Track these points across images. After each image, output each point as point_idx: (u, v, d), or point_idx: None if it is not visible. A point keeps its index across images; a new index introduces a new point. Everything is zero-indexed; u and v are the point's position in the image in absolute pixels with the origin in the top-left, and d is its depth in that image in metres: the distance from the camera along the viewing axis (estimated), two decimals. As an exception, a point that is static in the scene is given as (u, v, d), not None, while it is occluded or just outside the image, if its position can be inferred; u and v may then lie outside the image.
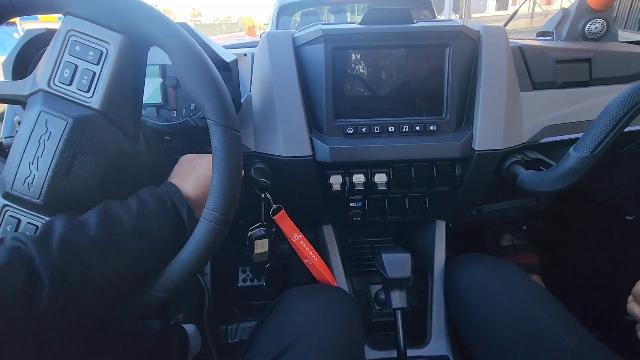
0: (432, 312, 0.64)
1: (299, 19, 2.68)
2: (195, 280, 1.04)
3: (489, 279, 0.56)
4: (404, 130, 0.59)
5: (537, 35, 0.90)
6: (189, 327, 0.98)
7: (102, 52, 0.37)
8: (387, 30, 0.56)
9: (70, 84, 0.37)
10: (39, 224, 0.37)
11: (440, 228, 0.70)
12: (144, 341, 0.76)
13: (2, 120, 0.68)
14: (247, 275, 1.12)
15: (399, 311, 0.55)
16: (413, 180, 0.61)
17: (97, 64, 0.37)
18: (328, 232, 0.71)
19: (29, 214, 0.37)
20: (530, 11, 11.20)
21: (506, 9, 21.03)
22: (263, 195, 0.58)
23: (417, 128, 0.58)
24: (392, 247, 0.62)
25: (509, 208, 0.77)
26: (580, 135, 0.48)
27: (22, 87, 0.38)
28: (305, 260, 0.62)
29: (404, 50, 0.57)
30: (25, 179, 0.36)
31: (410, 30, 0.56)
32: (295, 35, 0.59)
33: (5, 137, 0.61)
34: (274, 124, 0.57)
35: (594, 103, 0.63)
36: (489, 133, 0.57)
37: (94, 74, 0.37)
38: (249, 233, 0.60)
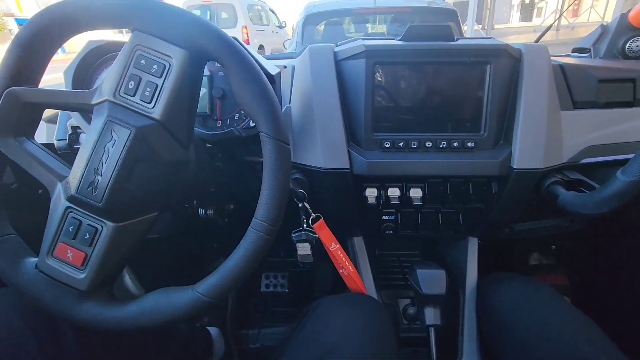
0: (463, 329, 0.63)
1: (322, 29, 2.72)
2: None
3: (525, 301, 0.55)
4: (441, 146, 0.59)
5: (572, 52, 0.89)
6: (213, 330, 1.00)
7: (165, 66, 0.39)
8: (428, 47, 0.57)
9: (134, 95, 0.39)
10: (98, 226, 0.39)
11: (473, 245, 0.69)
12: (172, 342, 0.78)
13: (55, 124, 0.72)
14: (270, 282, 1.13)
15: (432, 328, 0.55)
16: (448, 196, 0.61)
17: (160, 77, 0.39)
18: (359, 243, 0.71)
19: (90, 216, 0.39)
20: (557, 23, 10.98)
21: (530, 20, 20.70)
22: (300, 204, 0.59)
23: (455, 144, 0.59)
24: (425, 262, 0.62)
25: (541, 227, 0.75)
26: (623, 156, 0.47)
27: (90, 97, 0.40)
28: (341, 271, 0.62)
29: (444, 66, 0.58)
30: (90, 183, 0.38)
31: (451, 47, 0.57)
32: (336, 50, 0.61)
33: (58, 140, 0.65)
34: (313, 136, 0.58)
35: (639, 124, 0.61)
36: (528, 152, 0.57)
37: (157, 86, 0.39)
38: (292, 236, 0.62)
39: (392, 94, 0.59)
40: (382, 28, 3.19)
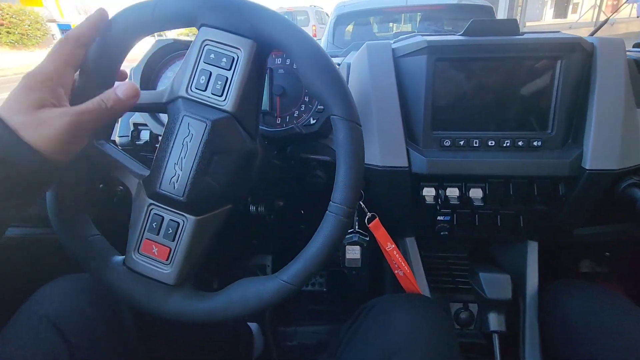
0: (524, 338, 0.60)
1: (350, 29, 2.70)
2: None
3: (599, 310, 0.52)
4: (504, 144, 0.56)
5: (633, 47, 0.84)
6: (253, 326, 1.01)
7: (233, 58, 0.39)
8: (493, 42, 0.55)
9: (205, 90, 0.40)
10: (180, 221, 0.40)
11: (533, 249, 0.66)
12: (217, 335, 0.80)
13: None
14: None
15: (496, 335, 0.53)
16: (511, 197, 0.58)
17: (229, 69, 0.39)
18: (411, 244, 0.70)
19: (172, 211, 0.40)
20: (595, 19, 10.40)
21: (565, 16, 19.72)
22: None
23: (520, 143, 0.56)
24: (486, 265, 0.59)
25: (606, 232, 0.71)
26: None
27: (162, 96, 0.41)
28: (396, 271, 0.61)
29: (509, 62, 0.55)
30: (171, 178, 0.39)
31: (518, 42, 0.54)
32: (394, 46, 0.60)
33: (121, 137, 0.68)
34: (371, 133, 0.57)
35: None
36: (602, 152, 0.53)
37: (227, 79, 0.39)
38: None
39: (454, 91, 0.57)
40: (407, 27, 3.14)
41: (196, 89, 0.40)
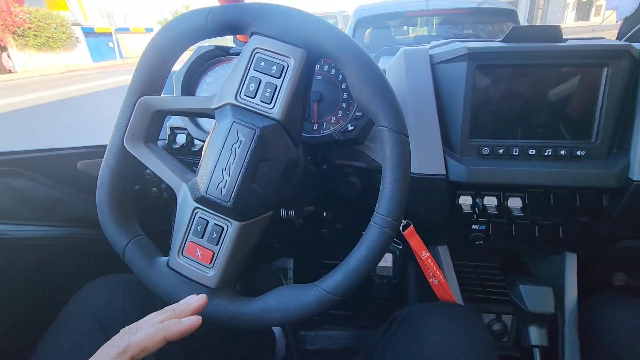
0: (564, 353, 0.58)
1: (369, 33, 2.69)
2: (279, 284, 1.08)
3: None
4: (546, 153, 0.55)
5: None
6: (276, 329, 1.01)
7: (283, 66, 0.40)
8: (536, 48, 0.54)
9: (254, 97, 0.40)
10: (224, 226, 0.41)
11: (571, 261, 0.64)
12: (242, 338, 0.80)
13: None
14: None
15: (537, 349, 0.51)
16: (551, 208, 0.57)
17: (279, 77, 0.40)
18: (444, 252, 0.69)
19: (217, 216, 0.41)
20: (619, 22, 10.04)
21: (587, 19, 19.20)
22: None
23: (562, 152, 0.55)
24: (525, 277, 0.58)
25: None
26: None
27: (210, 102, 0.42)
28: (431, 280, 0.60)
29: (552, 69, 0.54)
30: (219, 183, 0.39)
31: (562, 48, 0.53)
32: (432, 53, 0.59)
33: (158, 140, 0.69)
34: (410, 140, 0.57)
35: None
36: None
37: (276, 87, 0.40)
38: None
39: (493, 99, 0.56)
40: (423, 30, 3.11)
41: (245, 96, 0.41)
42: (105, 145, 0.71)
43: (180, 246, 0.42)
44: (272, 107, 0.40)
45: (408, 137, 0.39)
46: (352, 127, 0.54)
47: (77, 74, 12.07)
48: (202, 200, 0.41)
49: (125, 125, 0.43)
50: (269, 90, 0.40)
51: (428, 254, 0.60)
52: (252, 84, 0.40)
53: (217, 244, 0.41)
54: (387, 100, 0.39)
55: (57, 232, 0.57)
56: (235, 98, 0.41)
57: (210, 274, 0.41)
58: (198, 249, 0.42)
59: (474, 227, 0.63)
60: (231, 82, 0.41)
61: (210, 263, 0.42)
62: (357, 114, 0.54)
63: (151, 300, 0.53)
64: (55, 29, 15.15)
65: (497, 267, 0.81)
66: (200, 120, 0.60)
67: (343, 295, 0.39)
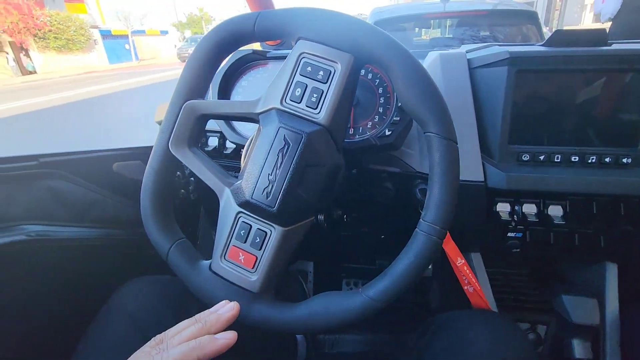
0: (606, 366, 0.56)
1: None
2: (300, 288, 1.08)
3: None
4: (589, 161, 0.53)
5: None
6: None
7: (330, 72, 0.40)
8: (580, 53, 0.52)
9: (300, 102, 0.40)
10: (267, 231, 0.41)
11: (612, 271, 0.62)
12: (264, 340, 0.80)
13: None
14: (351, 289, 1.12)
15: None
16: (594, 216, 0.55)
17: (326, 82, 0.40)
18: (477, 259, 0.67)
19: (260, 221, 0.41)
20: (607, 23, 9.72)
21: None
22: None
23: (607, 160, 0.53)
24: (567, 286, 0.56)
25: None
26: None
27: (254, 106, 0.42)
28: (466, 287, 0.59)
29: (597, 74, 0.52)
30: (264, 188, 0.39)
31: (609, 53, 0.52)
32: (470, 57, 0.58)
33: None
34: None
35: None
36: None
37: (322, 92, 0.40)
38: None
39: (534, 104, 0.55)
40: (436, 33, 3.08)
41: (291, 100, 0.40)
42: (140, 148, 0.73)
43: (223, 250, 0.42)
44: (318, 113, 0.40)
45: (457, 144, 0.38)
46: (390, 132, 0.54)
47: (94, 76, 12.38)
48: (247, 205, 0.41)
49: (170, 129, 0.43)
50: (315, 95, 0.40)
51: (464, 260, 0.59)
52: (298, 89, 0.40)
53: (260, 249, 0.41)
54: (437, 106, 0.38)
55: (91, 233, 0.58)
56: (281, 103, 0.41)
57: (253, 279, 0.41)
58: (241, 254, 0.42)
59: (509, 234, 0.61)
60: (276, 86, 0.41)
61: (253, 268, 0.41)
62: (395, 118, 0.54)
63: (186, 302, 0.53)
64: (74, 31, 15.60)
65: (529, 274, 0.79)
66: (235, 123, 0.61)
67: (387, 303, 0.39)
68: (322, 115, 0.40)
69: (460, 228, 0.62)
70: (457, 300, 0.63)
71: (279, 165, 0.39)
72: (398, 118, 0.54)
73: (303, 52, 0.40)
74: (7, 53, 13.56)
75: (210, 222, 0.92)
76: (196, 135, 0.44)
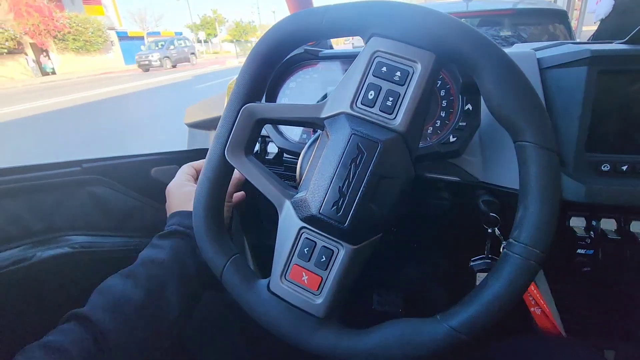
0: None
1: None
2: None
3: None
4: None
5: None
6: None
7: (408, 72, 0.35)
8: None
9: (373, 106, 0.36)
10: (334, 249, 0.37)
11: None
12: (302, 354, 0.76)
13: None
14: (383, 299, 1.08)
15: None
16: None
17: (403, 84, 0.35)
18: (540, 278, 0.62)
19: (327, 238, 0.37)
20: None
21: (627, 20, 18.17)
22: (490, 230, 0.53)
23: None
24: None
25: None
26: None
27: (318, 110, 0.38)
28: (533, 309, 0.54)
29: None
30: (334, 202, 0.35)
31: None
32: (540, 56, 0.53)
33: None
34: (509, 152, 0.51)
35: None
36: None
37: (399, 95, 0.35)
38: (471, 264, 0.55)
39: (616, 108, 0.49)
40: None
41: (363, 104, 0.36)
42: (176, 152, 0.70)
43: (284, 269, 0.38)
44: (394, 118, 0.36)
45: (559, 155, 0.34)
46: (455, 139, 0.49)
47: (111, 76, 12.63)
48: (312, 220, 0.37)
49: (227, 134, 0.40)
50: (390, 99, 0.36)
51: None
52: (371, 92, 0.36)
53: (325, 269, 0.37)
54: (536, 112, 0.33)
55: (131, 242, 0.56)
56: (351, 107, 0.36)
57: (318, 302, 0.37)
58: (304, 274, 0.38)
59: (579, 251, 0.56)
60: (345, 89, 0.37)
61: (317, 290, 0.37)
62: (460, 123, 0.49)
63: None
64: (92, 33, 15.96)
65: (593, 292, 0.73)
66: (283, 128, 0.57)
67: (474, 337, 0.34)
68: (398, 121, 0.35)
69: None
70: (513, 323, 0.59)
71: (351, 176, 0.35)
72: (464, 123, 0.50)
73: (377, 51, 0.36)
74: (27, 55, 13.95)
75: (242, 225, 0.88)
76: (252, 141, 0.41)
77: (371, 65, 0.36)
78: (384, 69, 0.36)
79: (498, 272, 0.34)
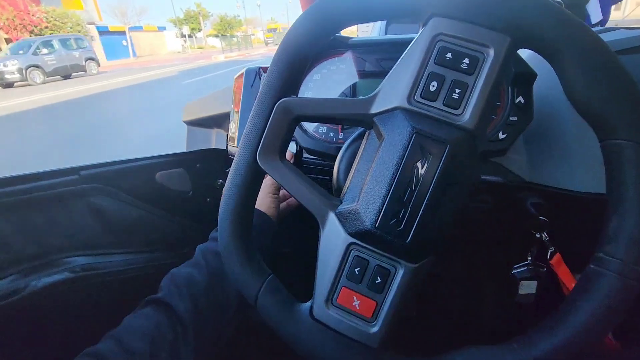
0: None
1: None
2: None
3: None
4: None
5: None
6: None
7: (478, 59, 0.30)
8: None
9: (435, 100, 0.31)
10: (391, 268, 0.31)
11: None
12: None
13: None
14: None
15: None
16: None
17: (472, 73, 0.30)
18: None
19: (383, 255, 0.31)
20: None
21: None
22: (538, 235, 0.48)
23: None
24: None
25: None
26: None
27: (367, 105, 0.32)
28: None
29: None
30: (394, 214, 0.30)
31: None
32: (608, 40, 0.49)
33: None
34: (564, 150, 0.46)
35: None
36: None
37: (467, 86, 0.30)
38: (514, 271, 0.51)
39: None
40: None
41: (423, 98, 0.31)
42: (182, 154, 0.63)
43: (330, 292, 0.33)
44: (461, 114, 0.30)
45: None
46: (505, 136, 0.44)
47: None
48: (366, 235, 0.31)
49: (259, 135, 0.33)
50: (457, 90, 0.30)
51: None
52: (434, 83, 0.31)
53: (381, 292, 0.32)
54: (632, 104, 0.28)
55: (138, 259, 0.49)
56: (408, 101, 0.31)
57: (373, 330, 0.32)
58: (355, 297, 0.32)
59: None
60: (400, 79, 0.31)
61: (371, 316, 0.32)
62: (511, 118, 0.44)
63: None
64: (71, 27, 15.39)
65: None
66: (306, 124, 0.51)
67: None
68: (466, 117, 0.30)
69: (576, 249, 0.53)
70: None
71: (414, 184, 0.29)
72: (515, 118, 0.45)
73: (440, 34, 0.31)
74: (1, 50, 13.36)
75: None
76: (287, 142, 0.35)
77: (433, 51, 0.31)
78: (449, 55, 0.30)
79: (588, 293, 0.29)
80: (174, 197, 0.57)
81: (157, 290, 0.43)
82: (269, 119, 0.33)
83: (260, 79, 0.65)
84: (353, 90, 0.52)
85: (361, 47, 0.51)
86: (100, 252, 0.45)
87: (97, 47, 17.38)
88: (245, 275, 0.34)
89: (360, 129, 0.39)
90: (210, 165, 0.67)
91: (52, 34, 14.71)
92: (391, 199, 0.30)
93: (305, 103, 0.34)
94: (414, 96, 0.31)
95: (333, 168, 0.44)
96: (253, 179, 0.35)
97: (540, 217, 0.47)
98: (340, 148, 0.49)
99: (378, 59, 0.50)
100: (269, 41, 31.73)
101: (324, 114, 0.34)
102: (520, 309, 0.53)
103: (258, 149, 0.34)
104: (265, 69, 0.68)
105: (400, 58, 0.32)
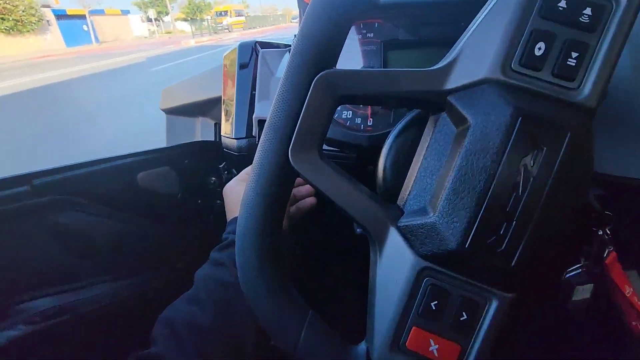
0: None
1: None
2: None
3: None
4: None
5: None
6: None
7: (604, 8, 0.22)
8: None
9: (542, 69, 0.22)
10: (482, 301, 0.23)
11: None
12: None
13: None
14: None
15: None
16: None
17: (594, 30, 0.22)
18: (635, 280, 0.53)
19: (470, 284, 0.23)
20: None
21: None
22: (601, 232, 0.42)
23: None
24: None
25: None
26: None
27: (439, 77, 0.24)
28: (635, 323, 0.44)
29: None
30: (493, 230, 0.22)
31: None
32: None
33: (238, 139, 0.50)
34: (627, 134, 0.40)
35: None
36: None
37: (587, 47, 0.22)
38: (567, 275, 0.44)
39: None
40: None
41: (523, 66, 0.22)
42: (166, 149, 0.52)
43: (396, 333, 0.24)
44: (578, 87, 0.22)
45: None
46: None
47: (53, 60, 11.38)
48: (450, 258, 0.23)
49: (292, 123, 0.24)
50: (574, 54, 0.22)
51: (632, 289, 0.44)
52: (540, 45, 0.22)
53: (468, 334, 0.24)
54: None
55: (123, 288, 0.37)
56: (502, 71, 0.22)
57: None
58: (433, 341, 0.24)
59: None
60: (487, 40, 0.23)
61: None
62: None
63: None
64: (23, 11, 14.18)
65: None
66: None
67: None
68: (585, 91, 0.22)
69: (628, 245, 0.47)
70: (596, 342, 0.50)
71: (521, 187, 0.21)
72: None
73: None
74: None
75: None
76: (326, 133, 0.25)
77: (538, 3, 0.22)
78: (562, 4, 0.22)
79: None
80: (160, 203, 0.47)
81: (150, 324, 0.33)
82: (304, 100, 0.24)
83: (257, 55, 0.54)
84: (382, 65, 0.42)
85: (393, 9, 0.41)
86: (71, 287, 0.33)
87: (55, 32, 16.11)
88: (283, 315, 0.25)
89: (413, 112, 0.30)
90: (201, 161, 0.56)
91: (2, 18, 13.52)
92: (488, 209, 0.22)
93: (353, 76, 0.24)
94: (512, 64, 0.22)
95: (353, 162, 0.36)
96: (283, 183, 0.25)
97: (606, 212, 0.41)
98: (370, 137, 0.40)
99: (415, 24, 0.41)
100: (220, 28, 24.06)
101: (379, 91, 0.25)
102: (570, 317, 0.47)
103: (291, 143, 0.24)
104: (262, 44, 0.58)
105: (487, 11, 0.23)
